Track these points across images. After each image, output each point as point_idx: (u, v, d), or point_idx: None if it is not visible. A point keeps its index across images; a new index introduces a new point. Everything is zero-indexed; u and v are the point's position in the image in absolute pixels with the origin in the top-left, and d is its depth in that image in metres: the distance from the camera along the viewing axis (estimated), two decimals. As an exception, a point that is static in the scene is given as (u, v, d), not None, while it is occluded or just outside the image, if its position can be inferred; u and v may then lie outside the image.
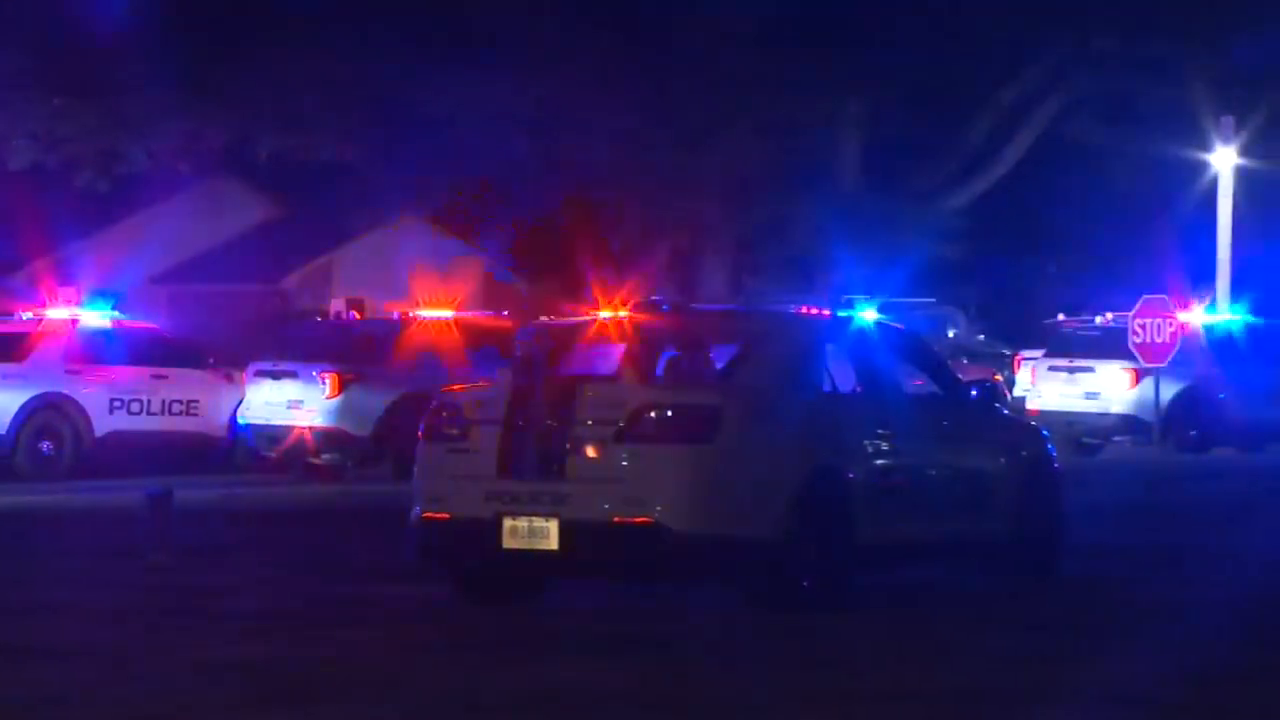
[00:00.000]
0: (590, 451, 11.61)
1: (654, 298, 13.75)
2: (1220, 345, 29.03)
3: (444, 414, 12.14)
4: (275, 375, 23.98)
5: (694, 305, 14.71)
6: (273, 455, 23.90)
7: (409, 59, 33.33)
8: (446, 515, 11.98)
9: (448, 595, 12.31)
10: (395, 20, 33.51)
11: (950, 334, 34.22)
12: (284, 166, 35.89)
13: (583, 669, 10.07)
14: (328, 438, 23.53)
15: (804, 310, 16.74)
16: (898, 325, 16.42)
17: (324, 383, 23.51)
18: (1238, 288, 35.33)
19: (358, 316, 26.62)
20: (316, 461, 23.85)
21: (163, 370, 24.52)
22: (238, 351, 25.95)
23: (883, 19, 36.30)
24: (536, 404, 11.85)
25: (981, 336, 35.93)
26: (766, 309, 20.09)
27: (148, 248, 35.84)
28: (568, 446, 11.64)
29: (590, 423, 11.63)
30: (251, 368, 24.35)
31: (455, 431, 12.01)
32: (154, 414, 24.29)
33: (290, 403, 23.64)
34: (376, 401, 23.44)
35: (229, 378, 24.74)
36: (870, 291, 26.72)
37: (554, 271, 34.97)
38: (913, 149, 39.47)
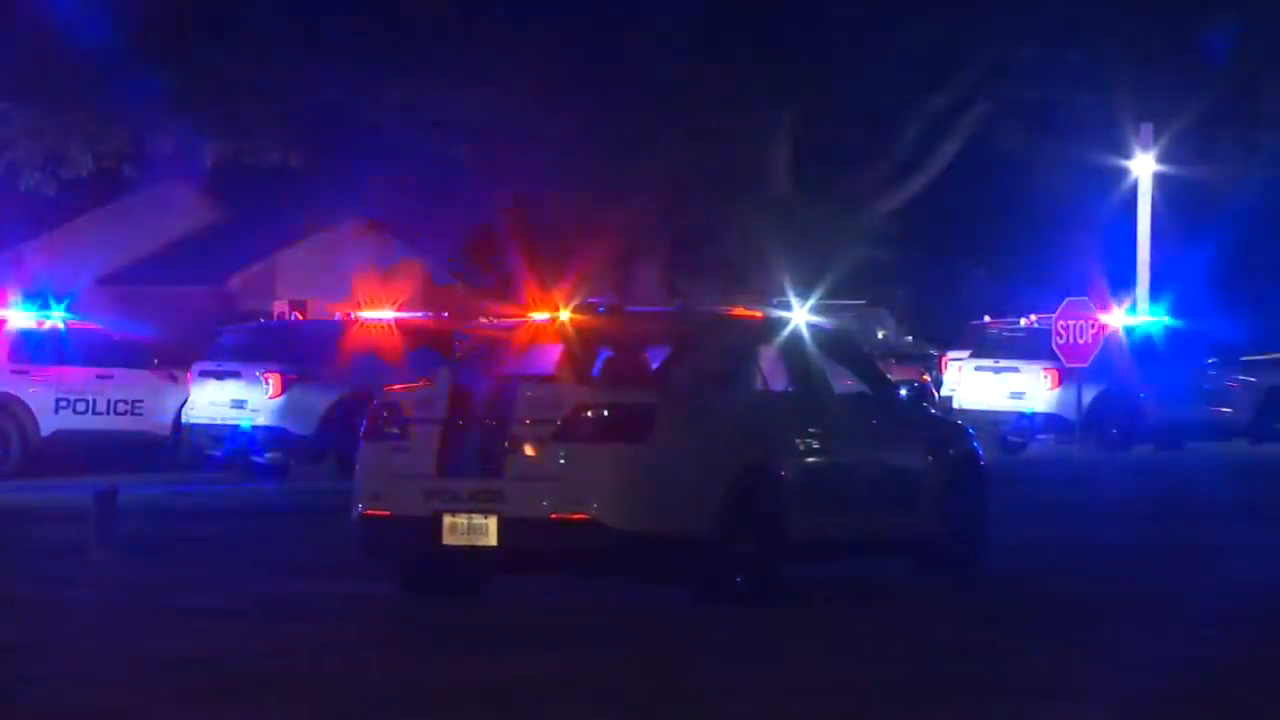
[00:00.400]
0: (528, 450, 11.60)
1: (590, 300, 13.76)
2: (1140, 347, 29.23)
3: (385, 413, 12.11)
4: (219, 375, 23.87)
5: (629, 307, 14.67)
6: (217, 454, 23.78)
7: (351, 64, 33.26)
8: (387, 513, 11.96)
9: (389, 591, 12.27)
10: (338, 26, 33.43)
11: (880, 335, 34.33)
12: (228, 171, 35.74)
13: (523, 663, 10.06)
14: (271, 437, 23.45)
15: (737, 312, 16.72)
16: (828, 326, 16.49)
17: (267, 383, 23.42)
18: (1157, 291, 35.60)
19: (300, 317, 26.49)
20: (260, 460, 23.75)
21: (108, 370, 24.36)
22: (182, 352, 25.80)
23: (813, 27, 36.46)
24: (475, 404, 11.85)
25: (910, 338, 36.05)
26: (700, 311, 20.09)
27: (95, 250, 35.62)
28: (506, 445, 11.63)
29: (528, 422, 11.63)
30: (196, 368, 24.23)
31: (396, 430, 11.99)
32: (100, 413, 24.14)
33: (234, 402, 23.54)
34: (319, 401, 23.36)
35: (173, 378, 24.61)
36: (802, 294, 26.78)
37: (493, 274, 34.93)
38: (843, 155, 39.63)
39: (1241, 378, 30.02)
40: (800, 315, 14.24)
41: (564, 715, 8.75)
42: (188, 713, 8.77)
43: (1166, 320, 31.05)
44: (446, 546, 11.71)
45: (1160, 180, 37.06)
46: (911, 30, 36.57)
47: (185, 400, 24.11)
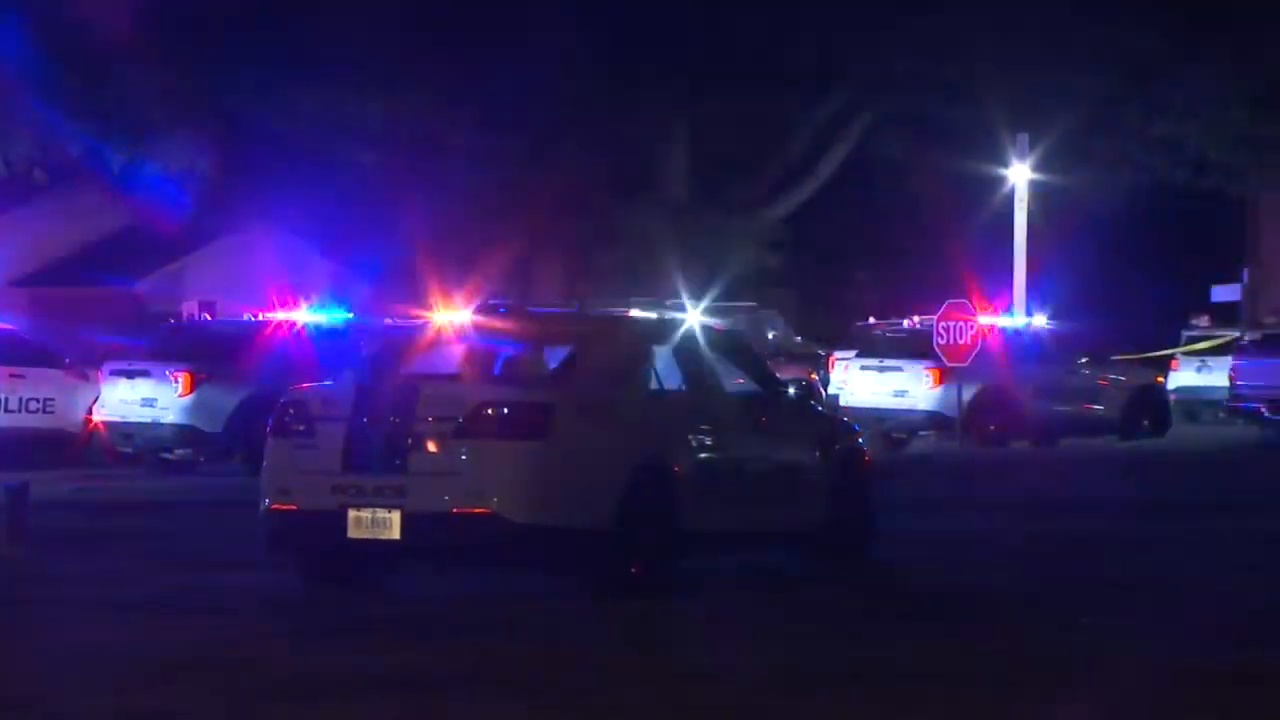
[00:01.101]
0: (431, 446, 11.57)
1: (492, 301, 13.73)
2: (1016, 346, 29.48)
3: (291, 411, 12.05)
4: (130, 374, 23.65)
5: (529, 309, 14.65)
6: (128, 451, 23.57)
7: (262, 74, 33.08)
8: (293, 507, 11.90)
9: (295, 583, 12.19)
10: (247, 35, 33.22)
11: (769, 336, 34.40)
12: (139, 174, 35.43)
13: (425, 651, 10.03)
14: (181, 434, 23.26)
15: (633, 313, 16.71)
16: (720, 327, 16.51)
17: (176, 381, 23.22)
18: (1032, 293, 35.93)
19: (209, 319, 26.25)
20: (170, 456, 23.57)
21: (19, 370, 24.09)
22: (92, 351, 25.54)
23: (705, 40, 36.61)
24: (380, 402, 11.80)
25: (798, 338, 36.17)
26: (598, 313, 20.06)
27: (6, 252, 35.19)
28: (410, 442, 11.60)
29: (431, 419, 11.60)
30: (107, 367, 23.99)
31: (302, 428, 11.93)
32: (11, 411, 23.90)
33: (144, 400, 23.33)
34: (228, 399, 23.17)
35: (85, 376, 24.35)
36: (695, 296, 26.82)
37: (399, 276, 34.79)
38: (735, 162, 39.79)
39: (1112, 377, 30.34)
40: (693, 317, 14.27)
41: (464, 703, 8.72)
42: (97, 703, 8.68)
43: (1042, 321, 31.33)
44: (351, 540, 11.67)
45: (1034, 187, 37.42)
46: (798, 43, 36.83)
47: (97, 398, 23.87)
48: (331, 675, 9.33)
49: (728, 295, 34.08)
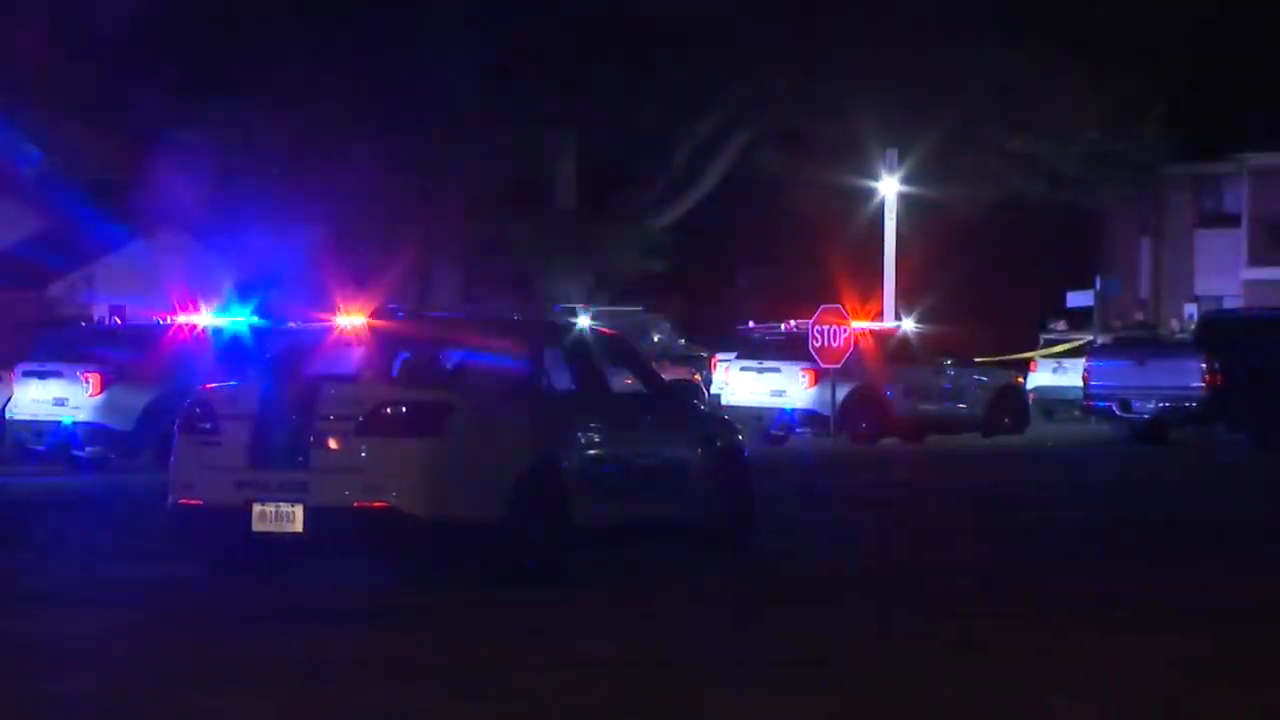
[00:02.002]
0: (333, 444, 11.49)
1: (390, 306, 13.65)
2: (886, 348, 29.65)
3: (198, 410, 11.94)
4: (41, 375, 23.33)
5: (427, 313, 14.57)
6: (40, 448, 23.25)
7: (170, 84, 32.78)
8: (200, 501, 11.79)
9: (201, 575, 12.05)
10: (156, 47, 32.91)
11: (655, 339, 34.43)
12: (51, 180, 34.98)
13: (327, 641, 9.94)
14: (92, 432, 23.00)
15: (526, 317, 16.71)
16: (608, 331, 16.48)
17: (87, 382, 22.96)
18: (901, 299, 36.20)
19: (119, 322, 25.94)
20: (81, 454, 23.30)
21: (-66, 371, 23.67)
22: (4, 353, 25.14)
23: (595, 59, 36.66)
24: (284, 401, 11.70)
25: (682, 341, 36.23)
26: (493, 316, 19.96)
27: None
28: (312, 439, 11.51)
29: (333, 418, 11.53)
30: (19, 368, 23.65)
31: (208, 426, 11.82)
32: (-73, 411, 23.47)
33: (56, 400, 23.03)
34: (137, 399, 22.92)
35: (-3, 379, 23.97)
36: (585, 300, 26.79)
37: (302, 281, 34.53)
38: (622, 175, 39.86)
39: (975, 377, 30.62)
40: (583, 321, 14.25)
41: (367, 688, 8.64)
42: (2, 688, 8.52)
43: (910, 325, 31.55)
44: (256, 533, 11.58)
45: (903, 199, 37.71)
46: (681, 63, 36.98)
47: (9, 398, 23.52)
48: (233, 663, 9.22)
49: (615, 300, 34.12)
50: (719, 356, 31.05)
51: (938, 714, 8.09)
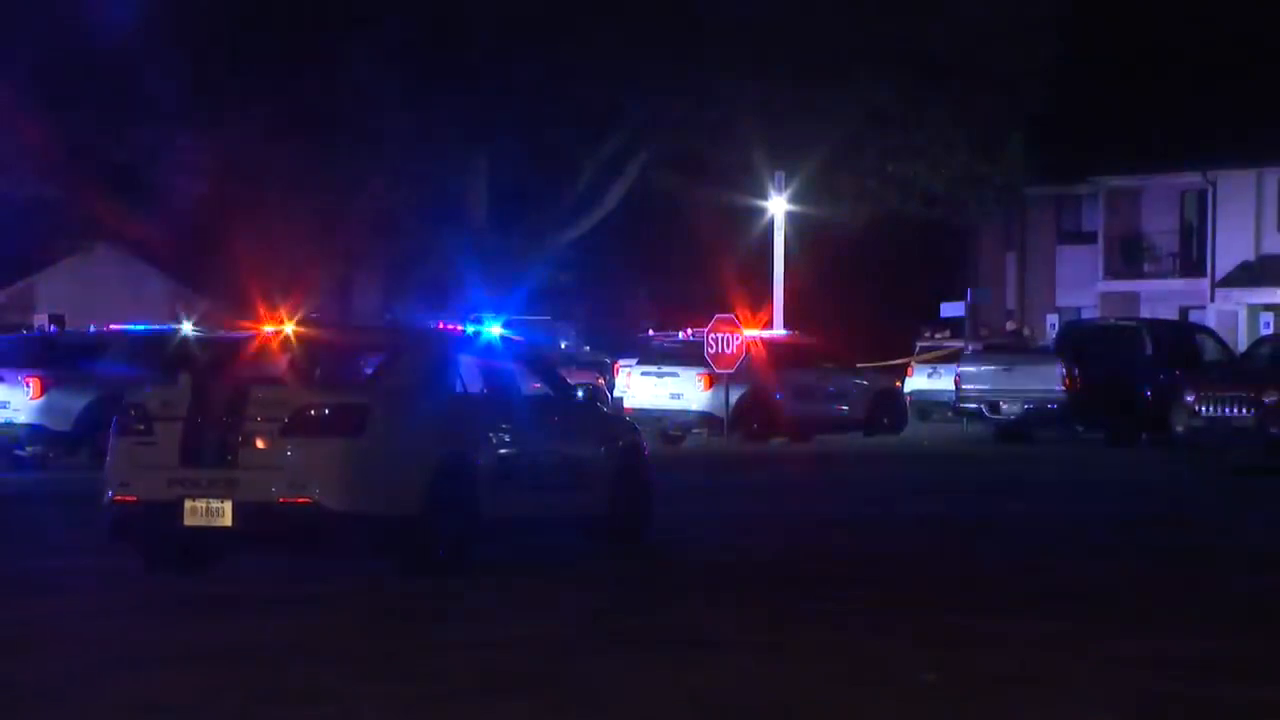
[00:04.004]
0: (259, 443, 11.43)
1: (313, 315, 13.59)
2: (775, 355, 29.83)
3: (133, 412, 11.85)
4: (-16, 379, 23.02)
5: (348, 321, 14.52)
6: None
7: (103, 107, 32.50)
8: (134, 498, 11.69)
9: (136, 568, 11.95)
10: (91, 72, 32.62)
11: (562, 345, 34.43)
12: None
13: (255, 625, 9.89)
14: (32, 433, 22.81)
15: (440, 325, 16.67)
16: (517, 338, 16.50)
17: (28, 386, 22.75)
18: (789, 310, 36.41)
19: (58, 330, 25.67)
20: (23, 453, 23.06)
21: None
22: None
23: (502, 83, 36.70)
24: (214, 404, 11.63)
25: (587, 348, 36.25)
26: (408, 325, 19.94)
27: None
28: (240, 439, 11.45)
29: (259, 419, 11.48)
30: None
31: (142, 427, 11.74)
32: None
33: (-1, 403, 22.77)
34: (75, 402, 22.73)
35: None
36: (496, 310, 26.74)
37: (231, 291, 34.30)
38: (530, 192, 39.87)
39: (857, 381, 30.85)
40: (494, 328, 14.23)
41: (293, 671, 8.61)
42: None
43: (797, 333, 31.76)
44: (187, 527, 11.50)
45: (790, 217, 37.95)
46: (583, 88, 37.10)
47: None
48: (163, 648, 9.17)
49: (524, 309, 34.07)
50: (621, 362, 31.10)
51: (820, 689, 8.17)
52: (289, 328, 12.61)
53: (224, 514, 11.42)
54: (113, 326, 24.08)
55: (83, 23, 32.64)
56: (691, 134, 38.82)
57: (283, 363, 12.60)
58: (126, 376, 21.47)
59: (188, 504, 11.47)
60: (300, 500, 11.32)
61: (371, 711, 7.72)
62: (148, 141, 34.03)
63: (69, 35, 32.64)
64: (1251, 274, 44.36)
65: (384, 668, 8.66)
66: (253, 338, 12.82)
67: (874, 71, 37.56)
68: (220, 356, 13.56)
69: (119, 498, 11.74)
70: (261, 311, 12.92)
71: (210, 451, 11.48)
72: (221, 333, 24.05)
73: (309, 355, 12.67)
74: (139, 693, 8.07)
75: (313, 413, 11.45)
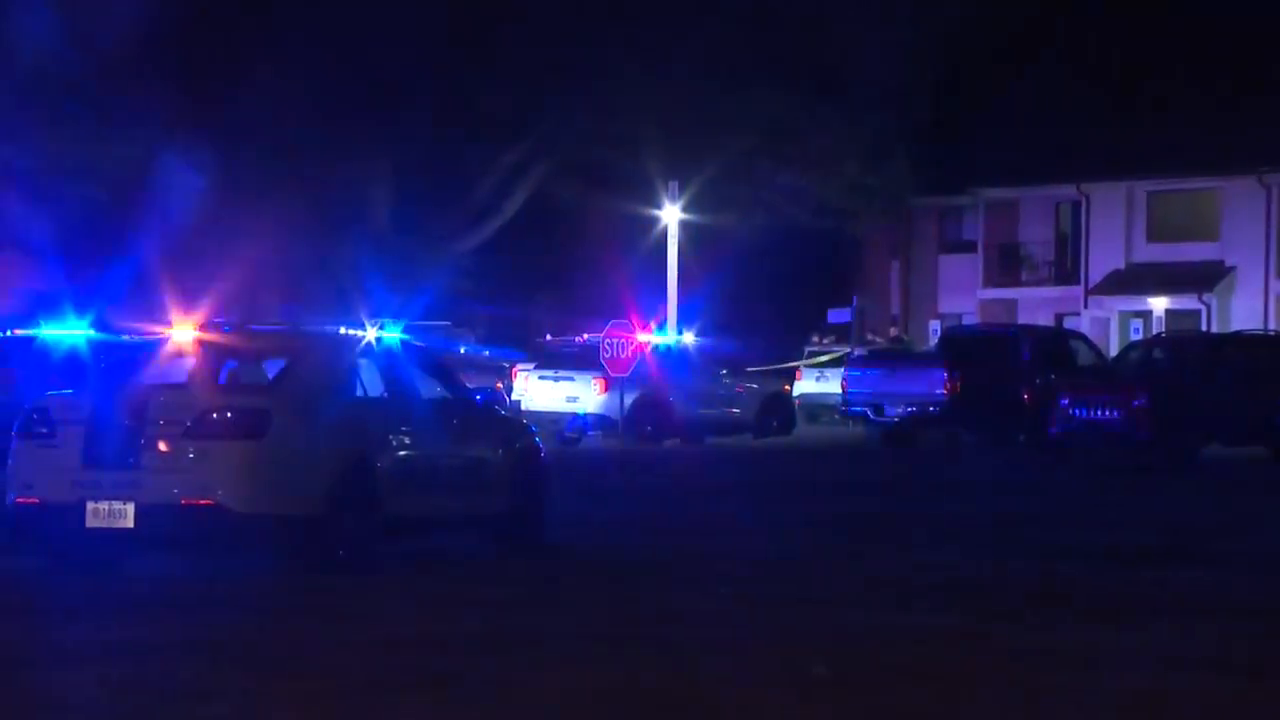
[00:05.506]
0: (163, 446, 11.28)
1: (217, 319, 13.43)
2: (668, 359, 29.92)
3: (36, 416, 11.68)
4: (-113, 383, 22.52)
5: (251, 326, 14.35)
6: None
7: (9, 117, 32.03)
8: (36, 500, 11.50)
9: (39, 568, 11.74)
10: (25, 88, 32.29)
11: (462, 350, 34.30)
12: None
13: (155, 624, 9.74)
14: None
15: (342, 330, 16.47)
16: (418, 343, 16.37)
17: (-69, 389, 22.23)
18: (683, 314, 36.52)
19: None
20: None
21: None
22: None
23: (404, 93, 36.56)
24: (117, 407, 11.47)
25: (486, 352, 36.13)
26: (311, 329, 19.67)
27: None
28: (143, 442, 11.30)
29: (163, 422, 11.34)
30: None
31: (45, 430, 11.57)
32: None
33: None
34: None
35: None
36: (396, 315, 26.57)
37: (135, 296, 33.87)
38: (431, 201, 39.72)
39: (748, 385, 30.99)
40: (395, 333, 14.14)
41: (192, 668, 8.48)
42: None
43: (690, 338, 31.85)
44: (90, 529, 11.33)
45: (684, 226, 38.06)
46: (483, 99, 37.07)
47: None
48: (67, 645, 9.01)
49: (425, 314, 33.91)
50: (519, 366, 31.04)
51: (721, 679, 8.18)
52: (193, 332, 12.45)
53: (126, 516, 11.26)
54: (15, 330, 23.62)
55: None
56: (591, 144, 38.90)
57: (187, 366, 12.45)
58: (30, 380, 21.07)
59: (90, 505, 11.30)
60: (203, 502, 11.18)
61: (272, 709, 7.63)
62: (52, 150, 33.55)
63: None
64: (1122, 282, 45.13)
65: (286, 666, 8.56)
66: (158, 342, 12.65)
67: (768, 86, 37.87)
68: (125, 360, 13.36)
69: (21, 500, 11.57)
70: (167, 316, 12.74)
71: (113, 454, 11.33)
72: (126, 337, 23.70)
73: (213, 359, 12.53)
74: (31, 693, 7.92)
75: (216, 415, 11.33)
